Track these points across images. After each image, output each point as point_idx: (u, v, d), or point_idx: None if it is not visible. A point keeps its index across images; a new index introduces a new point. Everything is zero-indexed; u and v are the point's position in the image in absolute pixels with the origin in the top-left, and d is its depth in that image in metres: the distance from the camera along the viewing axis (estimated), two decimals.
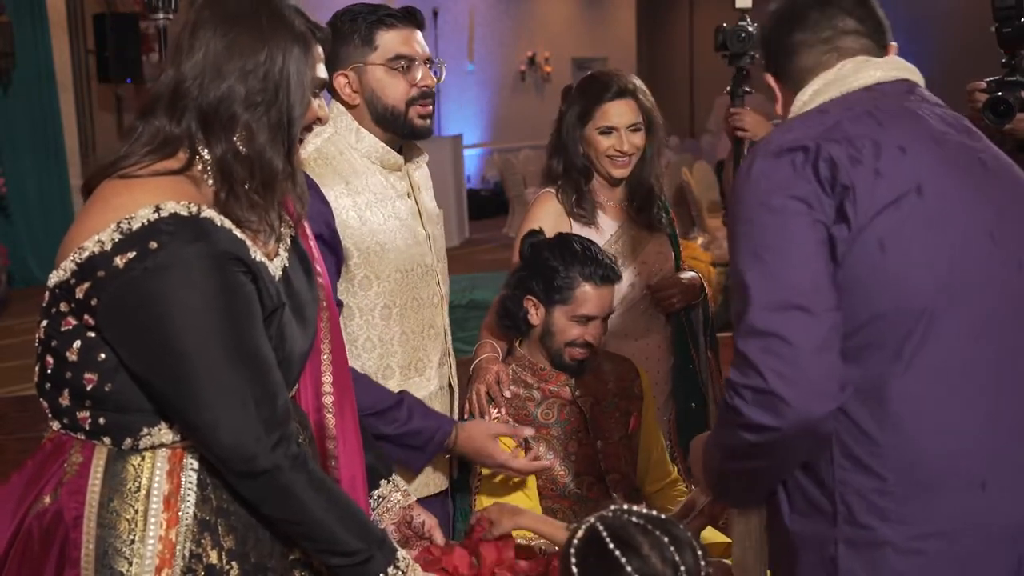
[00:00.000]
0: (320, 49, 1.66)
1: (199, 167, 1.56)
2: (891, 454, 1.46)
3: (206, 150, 1.56)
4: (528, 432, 2.26)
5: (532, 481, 2.42)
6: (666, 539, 1.42)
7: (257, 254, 1.58)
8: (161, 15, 3.77)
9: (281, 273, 1.66)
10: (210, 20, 1.58)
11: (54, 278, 1.52)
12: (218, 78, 1.55)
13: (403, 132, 2.29)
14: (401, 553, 1.67)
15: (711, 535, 2.42)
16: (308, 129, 1.65)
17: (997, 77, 2.80)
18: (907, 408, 1.46)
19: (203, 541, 1.55)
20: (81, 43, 9.73)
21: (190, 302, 1.45)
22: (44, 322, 1.55)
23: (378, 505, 2.02)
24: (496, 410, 2.43)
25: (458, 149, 11.85)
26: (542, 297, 2.45)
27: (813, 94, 1.61)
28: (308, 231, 1.84)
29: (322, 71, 1.65)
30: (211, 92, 1.54)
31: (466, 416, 2.46)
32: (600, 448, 2.46)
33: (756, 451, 1.48)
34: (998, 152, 1.63)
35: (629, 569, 1.39)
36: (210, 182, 1.56)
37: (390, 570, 1.63)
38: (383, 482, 2.01)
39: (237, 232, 1.54)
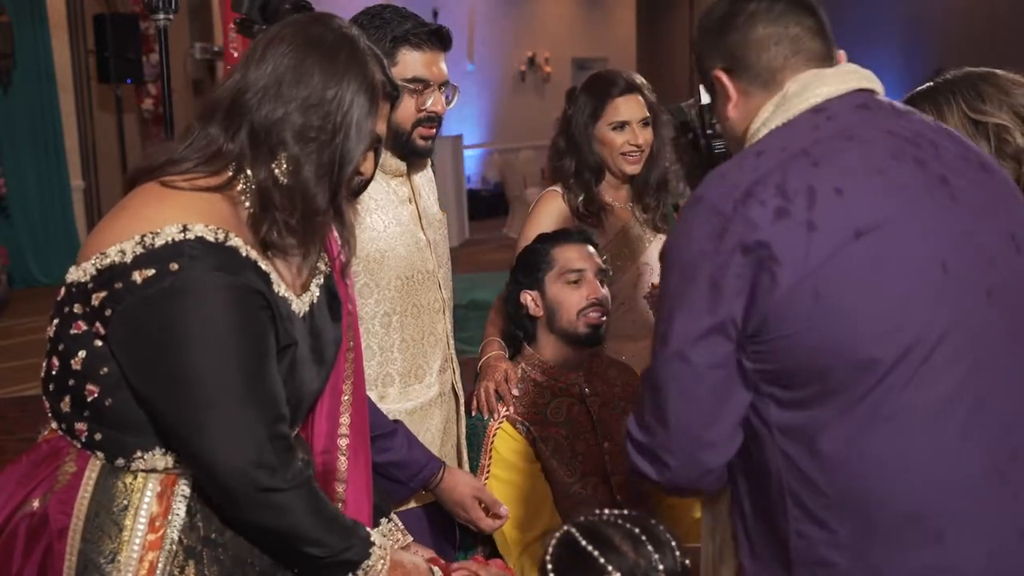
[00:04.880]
0: (387, 106, 1.62)
1: (240, 187, 1.53)
2: (840, 507, 1.40)
3: (251, 171, 1.53)
4: (504, 511, 2.24)
5: (545, 484, 2.42)
6: (637, 530, 1.41)
7: (281, 288, 1.55)
8: (161, 16, 3.77)
9: (307, 309, 1.63)
10: (289, 37, 1.55)
11: (72, 275, 1.50)
12: (277, 99, 1.51)
13: (404, 150, 2.27)
14: (375, 538, 1.63)
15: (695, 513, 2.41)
16: (348, 180, 1.60)
17: None
18: (853, 461, 1.39)
19: (187, 568, 1.53)
20: (81, 43, 9.73)
21: (203, 330, 1.43)
22: (56, 320, 1.53)
23: None
24: (504, 408, 2.43)
25: (458, 149, 11.83)
26: (531, 282, 2.47)
27: (762, 124, 1.51)
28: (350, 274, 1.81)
29: (382, 127, 1.61)
30: (266, 112, 1.51)
31: (473, 413, 2.47)
32: (608, 449, 2.46)
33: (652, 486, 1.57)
34: (970, 164, 1.49)
35: (602, 561, 1.37)
36: (247, 204, 1.53)
37: (371, 551, 1.60)
38: (383, 520, 2.00)
39: (262, 264, 1.52)
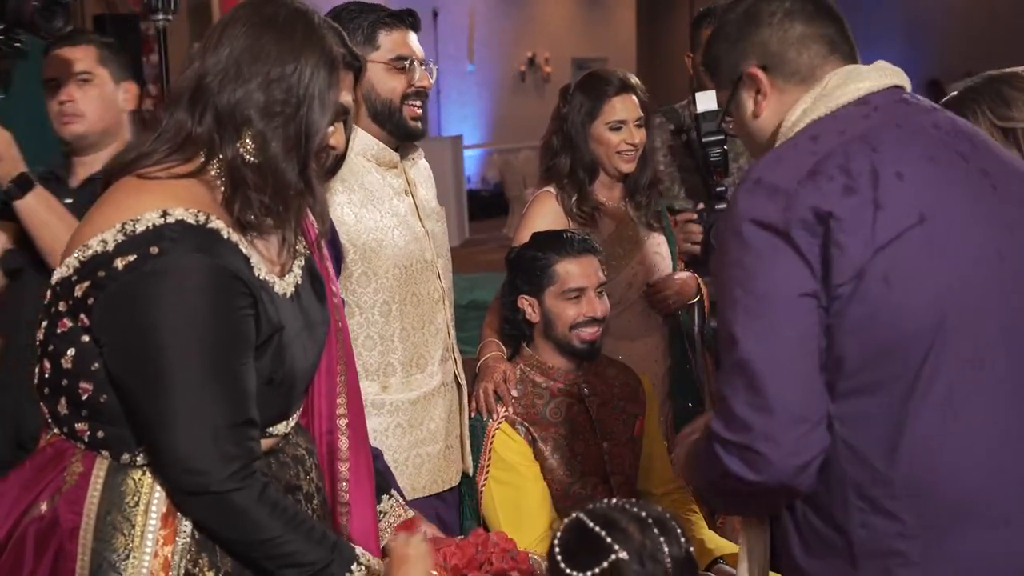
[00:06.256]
0: (350, 77, 1.63)
1: (214, 170, 1.54)
2: (906, 495, 1.41)
3: (221, 152, 1.54)
4: None
5: (544, 484, 2.43)
6: (644, 514, 1.43)
7: (262, 271, 1.55)
8: (161, 16, 3.78)
9: (293, 290, 1.63)
10: (243, 19, 1.56)
11: (57, 274, 1.50)
12: (238, 79, 1.53)
13: (397, 131, 2.33)
14: (360, 550, 1.61)
15: (726, 546, 2.43)
16: (320, 154, 1.61)
17: (702, 207, 2.84)
18: (919, 446, 1.40)
19: (200, 561, 1.53)
20: None
21: (179, 313, 1.43)
22: (44, 323, 1.53)
23: (380, 520, 2.02)
24: (503, 409, 2.44)
25: (458, 149, 11.84)
26: (531, 290, 2.47)
27: (802, 114, 1.53)
28: (326, 252, 1.83)
29: (347, 98, 1.62)
30: (228, 93, 1.52)
31: (472, 414, 2.47)
32: (607, 449, 2.47)
33: (738, 492, 1.47)
34: (1004, 158, 1.56)
35: (609, 541, 1.39)
36: (222, 186, 1.54)
37: (354, 567, 1.57)
38: (384, 496, 2.01)
39: (243, 247, 1.52)
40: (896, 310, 1.39)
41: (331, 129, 1.60)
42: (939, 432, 1.40)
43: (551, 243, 2.50)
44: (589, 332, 2.45)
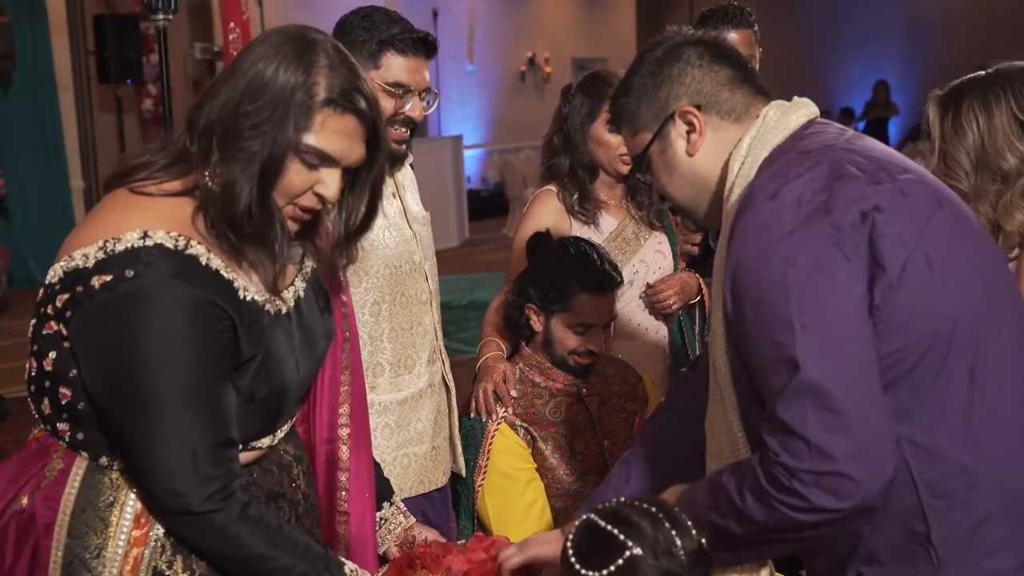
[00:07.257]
0: (351, 120, 1.51)
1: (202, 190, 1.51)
2: (987, 483, 1.39)
3: (198, 171, 1.51)
4: None
5: (539, 482, 2.43)
6: (654, 509, 1.44)
7: (249, 293, 1.52)
8: (161, 16, 3.78)
9: (292, 305, 1.62)
10: (262, 39, 1.52)
11: (48, 277, 1.51)
12: (217, 96, 1.49)
13: None
14: (349, 567, 1.62)
15: None
16: (303, 200, 1.53)
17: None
18: (993, 429, 1.40)
19: (175, 563, 1.54)
20: (81, 44, 9.73)
21: (152, 338, 1.42)
22: (33, 320, 1.54)
23: (380, 527, 2.02)
24: (503, 409, 2.44)
25: (458, 149, 11.85)
26: (542, 306, 2.45)
27: (750, 145, 1.52)
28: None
29: (334, 144, 1.50)
30: (209, 110, 1.49)
31: (472, 415, 2.47)
32: (608, 447, 2.47)
33: (799, 528, 1.39)
34: None
35: (622, 538, 1.40)
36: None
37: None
38: (385, 504, 2.01)
39: (225, 272, 1.49)
40: (942, 291, 1.40)
41: (312, 175, 1.51)
42: (1007, 412, 1.42)
43: (578, 270, 2.41)
44: (584, 359, 2.45)
